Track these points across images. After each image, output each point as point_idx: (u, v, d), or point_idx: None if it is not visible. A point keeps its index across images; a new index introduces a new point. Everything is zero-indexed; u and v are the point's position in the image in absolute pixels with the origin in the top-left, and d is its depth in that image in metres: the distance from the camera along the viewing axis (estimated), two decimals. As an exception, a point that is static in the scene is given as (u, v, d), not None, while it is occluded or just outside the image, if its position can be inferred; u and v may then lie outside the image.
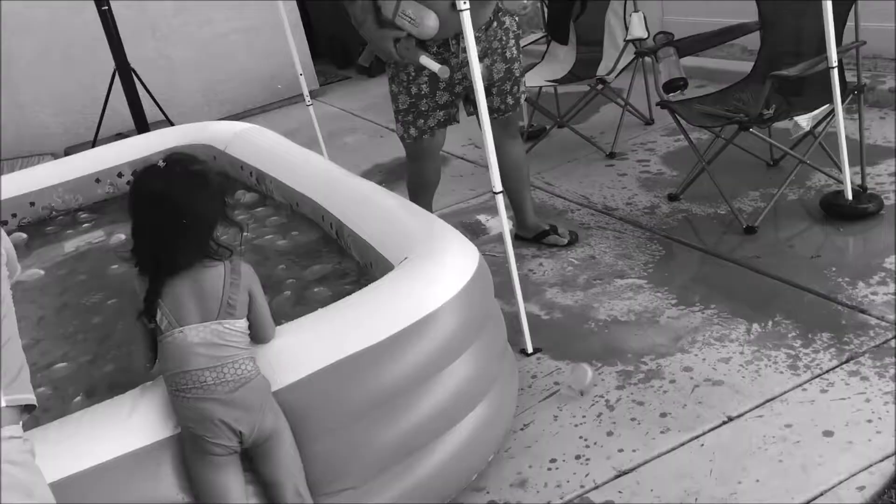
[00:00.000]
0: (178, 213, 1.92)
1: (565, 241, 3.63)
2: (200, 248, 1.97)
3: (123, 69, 5.65)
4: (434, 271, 2.29)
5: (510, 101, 3.41)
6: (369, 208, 2.93)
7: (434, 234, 2.54)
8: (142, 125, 5.69)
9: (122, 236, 3.55)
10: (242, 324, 1.95)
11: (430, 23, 3.09)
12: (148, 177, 2.01)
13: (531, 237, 3.68)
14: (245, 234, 2.05)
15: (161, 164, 1.99)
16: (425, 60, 3.14)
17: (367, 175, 4.86)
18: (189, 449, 1.92)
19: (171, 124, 5.57)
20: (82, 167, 4.15)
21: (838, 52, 3.24)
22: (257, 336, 2.01)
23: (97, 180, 4.09)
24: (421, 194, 3.58)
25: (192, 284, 1.94)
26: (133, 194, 2.01)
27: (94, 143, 5.78)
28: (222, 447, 1.90)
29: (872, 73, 4.73)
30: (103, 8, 5.49)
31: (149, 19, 6.84)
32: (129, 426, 1.93)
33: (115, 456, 1.88)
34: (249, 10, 7.23)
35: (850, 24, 3.42)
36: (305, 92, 4.47)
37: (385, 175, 4.98)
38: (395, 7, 3.11)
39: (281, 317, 2.68)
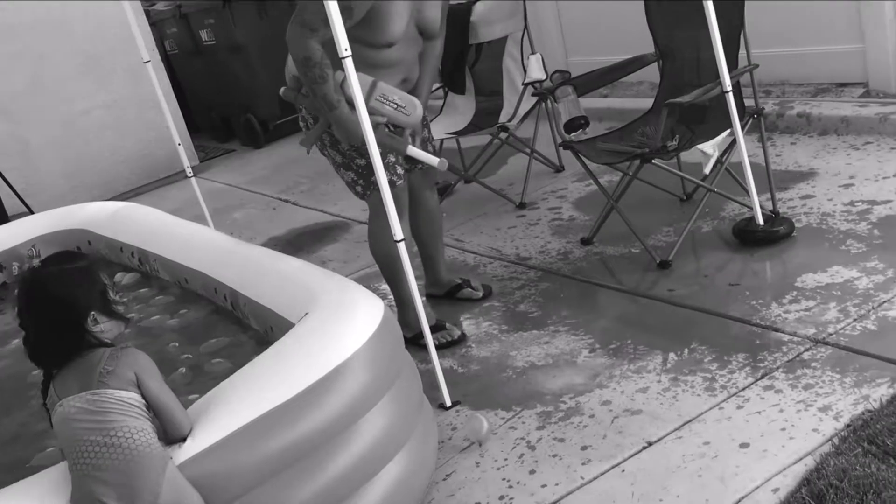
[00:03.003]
0: (47, 308, 2.31)
1: (479, 294, 4.01)
2: (76, 340, 2.31)
3: (-25, 157, 5.87)
4: (337, 324, 2.62)
5: (430, 149, 3.78)
6: (264, 273, 3.26)
7: (334, 289, 2.88)
8: (0, 217, 5.89)
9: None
10: (126, 395, 2.23)
11: (419, 112, 3.31)
12: (23, 276, 2.45)
13: (443, 294, 4.05)
14: (127, 330, 2.47)
15: (37, 263, 2.47)
16: (415, 151, 3.30)
17: (261, 249, 5.18)
18: None
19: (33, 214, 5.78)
20: (-60, 266, 4.35)
21: (732, 76, 3.76)
22: (167, 431, 2.28)
23: (-42, 278, 4.29)
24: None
25: (77, 367, 2.28)
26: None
27: (-55, 243, 5.93)
28: None
29: (781, 100, 5.34)
30: (-52, 92, 5.73)
31: (-2, 100, 7.07)
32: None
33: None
34: (114, 83, 7.52)
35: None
36: (186, 163, 4.78)
37: (283, 247, 5.31)
38: (369, 89, 3.17)
39: (177, 394, 2.96)
